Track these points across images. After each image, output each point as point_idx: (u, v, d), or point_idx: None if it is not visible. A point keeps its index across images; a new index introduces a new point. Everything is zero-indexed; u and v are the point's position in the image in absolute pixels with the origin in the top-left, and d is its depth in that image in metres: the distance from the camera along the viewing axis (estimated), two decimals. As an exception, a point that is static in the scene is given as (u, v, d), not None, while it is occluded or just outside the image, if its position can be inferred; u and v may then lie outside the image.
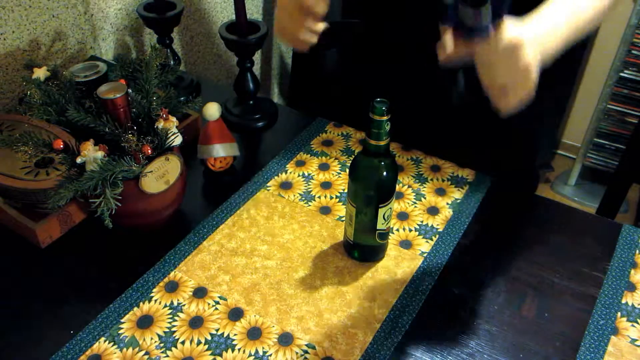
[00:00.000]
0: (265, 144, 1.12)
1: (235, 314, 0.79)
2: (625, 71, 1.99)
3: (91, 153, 0.76)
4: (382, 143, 0.74)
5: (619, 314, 0.80)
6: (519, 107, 0.70)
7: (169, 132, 0.82)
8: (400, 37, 0.98)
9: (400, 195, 0.97)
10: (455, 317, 0.80)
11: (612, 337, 0.77)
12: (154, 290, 0.82)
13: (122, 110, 0.78)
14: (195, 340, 0.76)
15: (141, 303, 0.80)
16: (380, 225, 0.81)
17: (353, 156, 1.01)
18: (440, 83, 0.91)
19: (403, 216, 0.94)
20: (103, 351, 0.74)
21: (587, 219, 0.95)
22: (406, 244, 0.89)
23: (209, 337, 0.76)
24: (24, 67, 0.89)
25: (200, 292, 0.82)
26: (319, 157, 1.05)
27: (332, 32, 0.86)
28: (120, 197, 0.76)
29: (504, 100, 0.69)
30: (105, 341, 0.75)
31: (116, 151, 0.78)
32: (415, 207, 0.96)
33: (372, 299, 0.81)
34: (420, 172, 1.02)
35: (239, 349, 0.75)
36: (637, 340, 0.77)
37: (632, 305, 0.81)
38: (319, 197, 0.97)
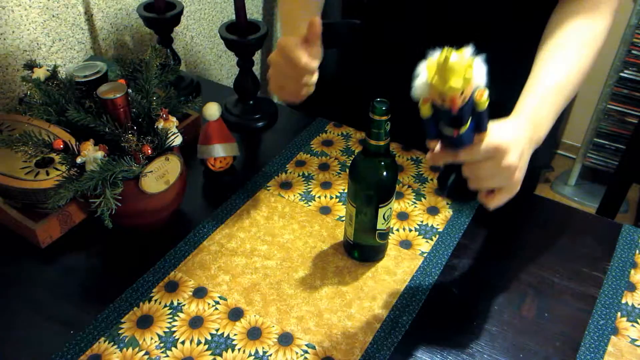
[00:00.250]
0: (265, 144, 1.12)
1: (235, 314, 0.79)
2: (625, 71, 1.99)
3: (91, 153, 0.76)
4: (382, 143, 0.74)
5: (619, 314, 0.80)
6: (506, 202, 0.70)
7: (169, 132, 0.82)
8: (400, 37, 0.98)
9: (400, 195, 0.97)
10: (455, 317, 0.80)
11: (612, 337, 0.77)
12: (154, 290, 0.82)
13: (122, 110, 0.78)
14: (195, 340, 0.76)
15: (141, 303, 0.80)
16: (380, 225, 0.81)
17: (353, 156, 1.01)
18: None
19: (403, 216, 0.94)
20: (103, 351, 0.74)
21: (587, 219, 0.95)
22: (406, 244, 0.89)
23: (209, 337, 0.76)
24: (24, 67, 0.89)
25: (200, 292, 0.82)
26: (319, 157, 1.05)
27: (332, 32, 0.85)
28: (120, 197, 0.76)
29: (490, 200, 0.70)
30: (105, 341, 0.75)
31: (116, 151, 0.78)
32: (415, 207, 0.96)
33: (372, 299, 0.81)
34: (420, 172, 1.02)
35: (239, 349, 0.75)
36: (637, 340, 0.77)
37: (632, 305, 0.81)
38: (319, 197, 0.97)
